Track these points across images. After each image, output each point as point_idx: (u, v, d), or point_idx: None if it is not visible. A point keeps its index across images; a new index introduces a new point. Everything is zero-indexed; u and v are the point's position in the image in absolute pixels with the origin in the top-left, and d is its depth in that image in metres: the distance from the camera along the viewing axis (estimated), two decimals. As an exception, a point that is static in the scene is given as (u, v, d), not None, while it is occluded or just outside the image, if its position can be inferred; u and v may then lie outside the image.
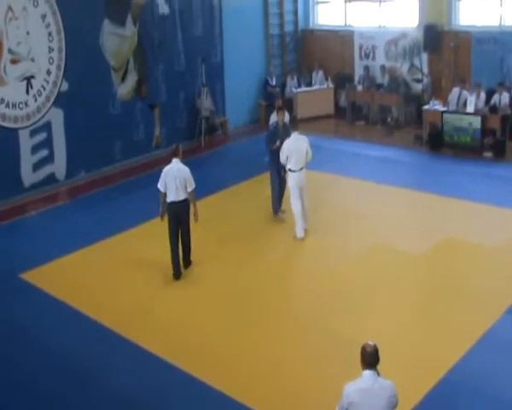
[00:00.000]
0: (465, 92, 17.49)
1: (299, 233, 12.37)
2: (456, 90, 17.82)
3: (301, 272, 11.23)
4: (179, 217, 10.88)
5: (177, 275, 11.01)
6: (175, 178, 10.77)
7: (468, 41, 18.58)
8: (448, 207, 13.59)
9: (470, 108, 17.04)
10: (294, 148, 12.27)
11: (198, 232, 11.50)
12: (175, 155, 11.04)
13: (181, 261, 11.11)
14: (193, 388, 8.23)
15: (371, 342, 5.95)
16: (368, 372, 5.87)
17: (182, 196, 10.81)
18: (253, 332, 9.43)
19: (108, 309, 10.21)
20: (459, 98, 17.56)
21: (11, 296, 10.77)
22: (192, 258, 11.34)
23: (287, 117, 14.63)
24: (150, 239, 12.45)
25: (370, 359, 5.87)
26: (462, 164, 16.28)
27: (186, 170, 10.89)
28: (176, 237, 10.96)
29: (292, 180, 12.31)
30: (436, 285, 10.50)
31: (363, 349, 5.91)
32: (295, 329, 9.43)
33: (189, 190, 10.84)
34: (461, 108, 17.37)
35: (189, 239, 11.17)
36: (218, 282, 10.97)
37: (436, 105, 17.95)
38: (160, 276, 11.20)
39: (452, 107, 17.57)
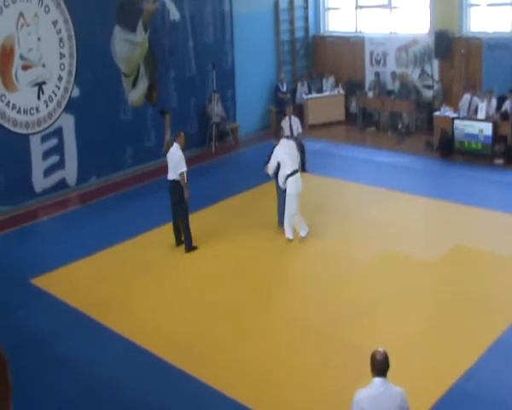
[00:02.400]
0: (476, 99, 17.44)
1: (303, 232, 12.55)
2: (466, 96, 17.77)
3: (310, 280, 11.19)
4: (169, 194, 12.30)
5: (177, 242, 12.42)
6: (168, 161, 12.28)
7: (478, 47, 18.53)
8: (459, 214, 13.55)
9: (481, 115, 16.99)
10: (286, 150, 12.38)
11: (208, 238, 11.49)
12: (175, 139, 12.34)
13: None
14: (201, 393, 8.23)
15: (381, 349, 5.94)
16: (378, 379, 5.85)
17: (171, 177, 12.20)
18: (261, 339, 9.40)
19: (120, 315, 10.22)
20: (470, 105, 17.51)
21: (22, 302, 10.79)
22: (197, 251, 12.18)
23: (297, 122, 14.65)
24: (161, 245, 12.48)
25: (380, 366, 5.86)
26: (473, 171, 16.23)
27: (176, 155, 12.09)
28: (172, 211, 12.35)
29: (291, 186, 12.30)
30: (447, 293, 10.45)
31: (373, 356, 5.90)
32: (304, 336, 9.40)
33: (178, 172, 12.02)
34: (472, 115, 17.31)
35: (182, 219, 12.23)
36: (224, 289, 10.97)
37: (447, 111, 17.91)
38: (172, 281, 11.22)
39: (463, 113, 17.51)
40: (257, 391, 8.23)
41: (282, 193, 12.73)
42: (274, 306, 10.36)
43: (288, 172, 12.25)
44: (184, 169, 12.05)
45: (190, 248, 12.25)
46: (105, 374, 8.74)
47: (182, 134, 12.42)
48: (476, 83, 18.19)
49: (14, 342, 9.43)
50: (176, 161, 12.10)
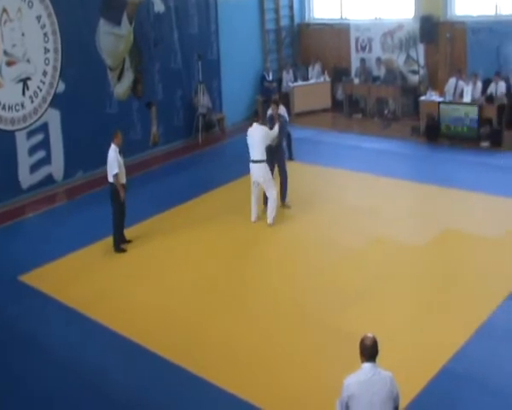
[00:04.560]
0: (461, 82, 17.50)
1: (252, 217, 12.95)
2: (452, 80, 17.83)
3: (299, 267, 11.22)
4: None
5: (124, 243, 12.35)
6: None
7: (463, 31, 18.58)
8: (446, 197, 13.62)
9: (467, 98, 17.05)
10: (249, 138, 12.72)
11: (195, 230, 11.48)
12: (112, 139, 11.95)
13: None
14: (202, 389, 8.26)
15: (370, 335, 5.96)
16: (367, 365, 5.88)
17: (109, 179, 11.92)
18: (251, 326, 9.43)
19: (108, 309, 10.21)
20: (456, 89, 17.57)
21: (11, 299, 10.75)
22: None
23: (283, 110, 14.67)
24: (147, 238, 12.48)
25: (369, 351, 5.88)
26: (460, 154, 16.30)
27: (110, 156, 11.80)
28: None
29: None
30: (435, 276, 10.51)
31: (362, 342, 5.92)
32: (294, 322, 9.43)
33: (111, 174, 11.79)
34: (457, 99, 17.37)
35: (113, 219, 12.06)
36: (215, 275, 11.00)
37: (433, 96, 17.95)
38: (158, 274, 11.24)
39: (449, 97, 17.56)
40: (246, 379, 8.24)
41: (283, 171, 13.17)
42: (263, 294, 10.36)
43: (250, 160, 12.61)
44: (116, 171, 11.67)
45: (118, 249, 12.09)
46: (95, 368, 8.72)
47: (119, 134, 11.97)
48: (461, 67, 18.25)
49: (3, 339, 9.46)
50: (109, 163, 11.80)
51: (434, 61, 19.40)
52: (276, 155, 13.14)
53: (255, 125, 12.84)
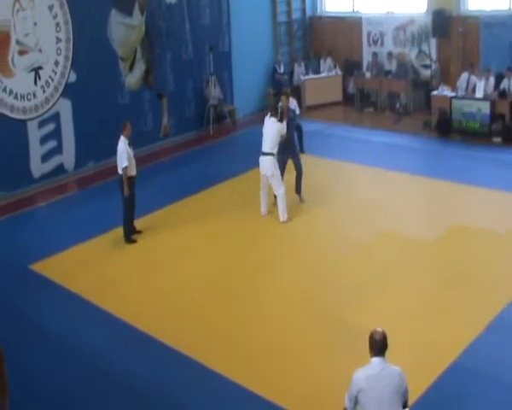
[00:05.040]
0: (474, 77, 17.42)
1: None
2: (464, 75, 17.75)
3: (307, 260, 11.21)
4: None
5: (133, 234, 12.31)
6: None
7: (476, 26, 18.47)
8: (457, 193, 13.57)
9: (479, 94, 16.97)
10: (264, 130, 12.66)
11: (205, 222, 11.49)
12: (121, 131, 11.93)
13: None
14: (206, 378, 8.27)
15: (379, 329, 5.95)
16: (376, 359, 5.87)
17: (118, 170, 11.89)
18: (257, 318, 9.44)
19: (117, 297, 10.25)
20: (468, 84, 17.50)
21: (22, 288, 10.80)
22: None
23: (294, 103, 14.65)
24: (157, 229, 12.49)
25: (379, 345, 5.87)
26: (471, 150, 16.23)
27: (119, 148, 11.78)
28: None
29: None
30: (445, 272, 10.47)
31: (372, 336, 5.91)
32: (302, 315, 9.44)
33: (121, 167, 11.78)
34: (470, 94, 17.29)
35: (123, 212, 12.03)
36: (224, 267, 11.04)
37: (445, 91, 17.87)
38: (167, 265, 11.28)
39: (461, 92, 17.50)
40: (253, 371, 8.27)
41: (298, 165, 13.19)
42: (270, 286, 10.38)
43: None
44: (126, 164, 11.62)
45: (129, 240, 12.09)
46: (102, 356, 8.77)
47: (128, 125, 11.90)
48: (474, 61, 18.16)
49: (12, 327, 9.49)
50: (119, 155, 11.77)
51: (447, 55, 19.32)
52: (289, 149, 13.07)
53: (271, 117, 12.67)
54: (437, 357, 8.26)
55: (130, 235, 12.13)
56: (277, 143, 12.47)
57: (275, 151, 12.44)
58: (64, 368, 8.59)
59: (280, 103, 13.49)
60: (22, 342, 9.16)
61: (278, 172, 12.57)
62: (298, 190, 13.34)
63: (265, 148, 12.43)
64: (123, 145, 11.76)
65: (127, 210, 12.00)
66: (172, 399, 7.88)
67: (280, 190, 12.50)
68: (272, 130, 12.47)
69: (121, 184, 11.85)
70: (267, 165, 12.42)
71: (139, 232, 12.31)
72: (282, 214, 12.52)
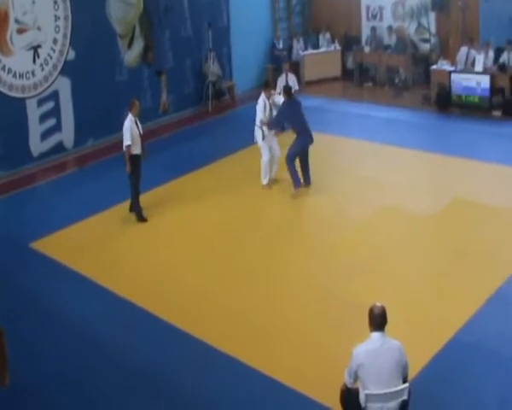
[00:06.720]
0: (473, 51, 17.37)
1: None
2: (464, 49, 17.70)
3: (308, 236, 11.25)
4: None
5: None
6: None
7: (475, -1, 18.40)
8: (457, 167, 13.58)
9: (479, 68, 16.92)
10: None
11: (206, 198, 11.55)
12: (129, 108, 11.91)
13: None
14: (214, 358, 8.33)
15: (379, 304, 6.01)
16: (376, 334, 5.93)
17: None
18: (260, 294, 9.48)
19: (116, 275, 10.30)
20: (467, 57, 17.45)
21: (22, 266, 10.84)
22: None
23: (293, 79, 14.61)
24: (158, 206, 12.51)
25: (378, 320, 5.93)
26: (471, 124, 16.22)
27: (124, 126, 11.75)
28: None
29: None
30: (446, 246, 10.50)
31: (371, 311, 5.97)
32: (303, 292, 9.48)
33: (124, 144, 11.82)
34: (469, 68, 17.25)
35: (130, 190, 12.03)
36: (225, 244, 11.06)
37: (444, 65, 17.82)
38: (168, 241, 11.32)
39: (460, 66, 17.46)
40: (255, 347, 8.32)
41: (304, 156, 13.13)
42: (272, 261, 10.43)
43: None
44: (128, 143, 11.62)
45: (140, 217, 12.05)
46: (104, 335, 8.81)
47: (136, 103, 11.92)
48: (473, 35, 18.09)
49: (13, 305, 9.53)
50: (124, 133, 11.75)
51: (446, 29, 19.24)
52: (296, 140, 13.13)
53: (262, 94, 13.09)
54: (437, 331, 8.30)
55: (141, 213, 12.10)
56: (262, 117, 12.91)
57: (258, 123, 12.94)
58: (62, 344, 8.65)
59: (278, 81, 13.56)
60: (23, 318, 9.22)
61: (260, 140, 13.05)
62: (307, 179, 13.21)
63: (256, 120, 13.01)
64: (128, 123, 11.72)
65: (135, 188, 11.97)
66: (173, 377, 7.93)
67: (263, 157, 13.06)
68: (258, 105, 12.98)
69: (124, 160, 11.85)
70: (255, 135, 13.13)
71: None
72: (263, 179, 13.11)
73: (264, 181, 13.08)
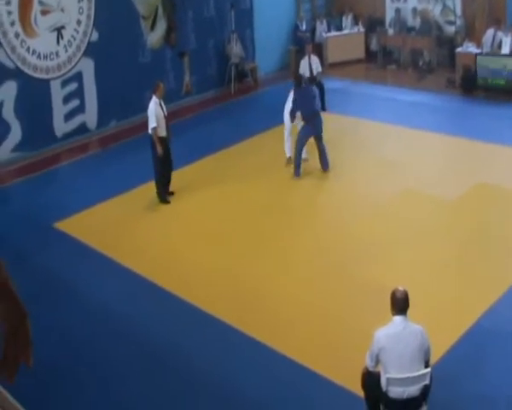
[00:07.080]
0: (500, 33, 17.18)
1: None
2: (490, 31, 17.50)
3: (329, 219, 11.23)
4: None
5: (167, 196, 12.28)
6: None
7: (502, -20, 18.17)
8: (481, 151, 13.46)
9: (505, 50, 16.75)
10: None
11: (228, 180, 11.53)
12: (154, 91, 11.94)
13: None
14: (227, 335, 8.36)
15: (401, 288, 5.99)
16: (398, 318, 5.92)
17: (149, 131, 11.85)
18: (279, 278, 9.48)
19: (138, 255, 10.36)
20: (494, 40, 17.27)
21: (47, 246, 10.92)
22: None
23: (316, 62, 14.53)
24: (180, 188, 12.53)
25: (400, 304, 5.91)
26: (497, 107, 16.06)
27: (149, 108, 11.78)
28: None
29: None
30: (467, 232, 10.43)
31: (394, 295, 5.95)
32: (323, 275, 9.47)
33: (149, 128, 11.82)
34: (495, 50, 17.08)
35: (154, 174, 12.04)
36: (241, 228, 11.07)
37: (469, 47, 17.65)
38: (192, 222, 11.34)
39: (486, 49, 17.28)
40: (272, 327, 8.35)
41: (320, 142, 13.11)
42: (292, 243, 10.42)
43: None
44: (154, 125, 11.62)
45: (163, 199, 12.05)
46: (127, 316, 8.86)
47: (160, 85, 11.94)
48: (500, 17, 17.87)
49: (36, 285, 9.60)
50: (149, 115, 11.75)
51: (472, 11, 19.01)
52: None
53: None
54: (459, 317, 8.28)
55: (165, 195, 12.12)
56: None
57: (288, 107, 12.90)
58: (85, 324, 8.72)
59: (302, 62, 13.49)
60: (46, 297, 9.28)
61: (287, 120, 13.04)
62: (325, 165, 13.15)
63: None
64: (153, 105, 11.73)
65: (158, 170, 11.97)
66: (192, 358, 7.97)
67: (285, 131, 13.23)
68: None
69: (153, 144, 11.82)
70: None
71: (171, 194, 12.30)
72: (286, 152, 13.23)
73: (288, 154, 13.14)
